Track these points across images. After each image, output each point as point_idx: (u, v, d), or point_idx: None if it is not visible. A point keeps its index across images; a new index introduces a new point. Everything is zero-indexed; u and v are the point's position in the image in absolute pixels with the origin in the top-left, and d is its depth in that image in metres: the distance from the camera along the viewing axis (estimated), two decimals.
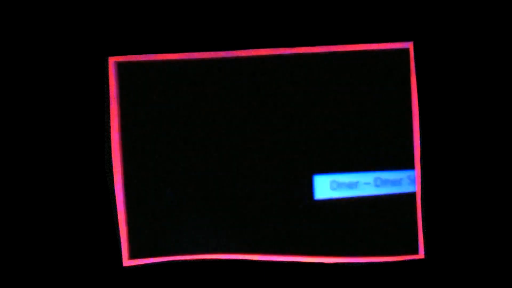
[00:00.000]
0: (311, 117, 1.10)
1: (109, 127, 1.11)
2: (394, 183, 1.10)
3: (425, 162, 1.09)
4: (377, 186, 1.10)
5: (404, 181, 1.10)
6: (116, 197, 1.12)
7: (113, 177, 1.12)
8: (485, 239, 1.10)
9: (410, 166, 1.09)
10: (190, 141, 1.12)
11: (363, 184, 1.10)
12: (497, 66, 1.06)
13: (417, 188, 1.10)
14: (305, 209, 1.11)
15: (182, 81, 1.11)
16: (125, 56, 1.10)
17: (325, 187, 1.10)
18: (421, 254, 1.12)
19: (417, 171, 1.09)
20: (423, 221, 1.10)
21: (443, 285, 1.12)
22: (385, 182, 1.10)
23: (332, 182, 1.11)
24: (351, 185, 1.10)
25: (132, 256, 1.15)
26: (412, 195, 1.09)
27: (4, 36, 1.09)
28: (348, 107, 1.09)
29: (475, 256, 1.10)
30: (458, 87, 1.07)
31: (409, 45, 1.07)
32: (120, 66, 1.11)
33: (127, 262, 1.15)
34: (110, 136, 1.11)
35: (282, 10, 1.08)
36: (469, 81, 1.07)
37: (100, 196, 1.12)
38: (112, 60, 1.10)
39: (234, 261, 1.14)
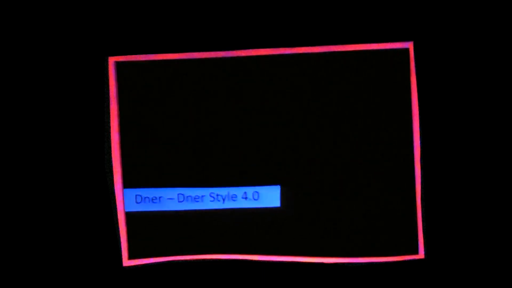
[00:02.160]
0: (310, 117, 1.10)
1: (109, 127, 1.11)
2: (196, 199, 1.12)
3: (425, 162, 1.09)
4: (180, 202, 1.13)
5: (206, 198, 1.13)
6: (116, 197, 1.12)
7: (113, 177, 1.12)
8: (485, 239, 1.10)
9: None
10: (190, 141, 1.12)
11: (166, 200, 1.13)
12: (497, 66, 1.06)
13: (417, 188, 1.10)
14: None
15: (182, 81, 1.11)
16: (125, 56, 1.10)
17: (131, 200, 1.13)
18: (421, 254, 1.12)
19: (417, 171, 1.09)
20: (423, 221, 1.10)
21: (443, 285, 1.12)
22: (187, 198, 1.13)
23: (137, 196, 1.13)
24: (154, 200, 1.13)
25: (132, 256, 1.15)
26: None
27: (4, 36, 1.09)
28: (348, 107, 1.09)
29: (475, 256, 1.10)
30: (458, 87, 1.07)
31: (409, 45, 1.07)
32: (119, 66, 1.11)
33: (127, 262, 1.15)
34: (110, 136, 1.11)
35: (282, 10, 1.08)
36: (469, 81, 1.07)
37: (100, 196, 1.12)
38: (112, 60, 1.10)
39: (234, 261, 1.14)
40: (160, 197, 1.13)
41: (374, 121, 1.09)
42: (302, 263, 1.14)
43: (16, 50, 1.10)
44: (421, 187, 1.09)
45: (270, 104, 1.10)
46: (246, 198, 1.12)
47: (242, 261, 1.14)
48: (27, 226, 1.12)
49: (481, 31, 1.06)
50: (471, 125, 1.08)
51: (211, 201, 1.13)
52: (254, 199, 1.12)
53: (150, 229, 1.15)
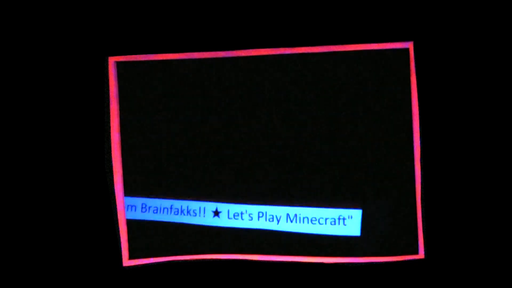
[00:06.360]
0: (310, 117, 1.10)
1: (109, 127, 1.11)
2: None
3: (425, 162, 1.09)
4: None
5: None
6: (116, 197, 1.12)
7: (113, 177, 1.12)
8: (485, 239, 1.10)
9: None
10: (190, 140, 1.12)
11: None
12: (497, 66, 1.06)
13: (417, 188, 1.10)
14: None
15: (181, 81, 1.11)
16: (125, 56, 1.10)
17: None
18: (421, 254, 1.12)
19: (417, 171, 1.09)
20: (423, 221, 1.10)
21: (443, 285, 1.12)
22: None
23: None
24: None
25: (132, 256, 1.15)
26: None
27: (5, 36, 1.10)
28: (348, 107, 1.09)
29: (475, 256, 1.10)
30: (458, 87, 1.07)
31: (409, 45, 1.07)
32: (120, 66, 1.11)
33: (127, 262, 1.15)
34: (110, 136, 1.11)
35: (282, 10, 1.08)
36: (469, 81, 1.07)
37: (100, 196, 1.12)
38: (112, 60, 1.10)
39: (234, 261, 1.14)
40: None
41: (374, 121, 1.09)
42: (302, 263, 1.14)
43: (16, 50, 1.10)
44: (421, 187, 1.10)
45: (270, 104, 1.10)
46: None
47: (242, 261, 1.14)
48: (27, 226, 1.12)
49: (481, 31, 1.06)
50: (471, 125, 1.08)
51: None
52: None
53: (150, 229, 1.15)
